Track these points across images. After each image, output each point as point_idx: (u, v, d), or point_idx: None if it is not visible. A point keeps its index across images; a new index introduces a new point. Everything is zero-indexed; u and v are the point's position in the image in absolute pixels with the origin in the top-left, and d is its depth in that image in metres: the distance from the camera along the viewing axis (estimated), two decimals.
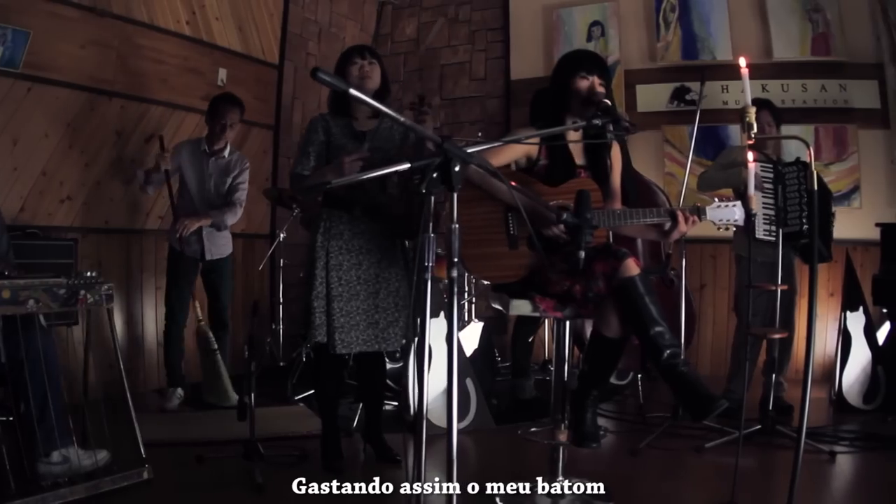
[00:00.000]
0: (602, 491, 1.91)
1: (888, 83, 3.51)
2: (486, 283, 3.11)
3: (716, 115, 3.64)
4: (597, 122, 1.61)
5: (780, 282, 2.44)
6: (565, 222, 1.56)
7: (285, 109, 3.72)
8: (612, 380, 3.30)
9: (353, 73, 2.08)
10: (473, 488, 1.92)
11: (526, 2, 4.11)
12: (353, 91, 1.09)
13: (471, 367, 2.61)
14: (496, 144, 1.68)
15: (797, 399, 3.03)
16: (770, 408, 2.53)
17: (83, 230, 2.94)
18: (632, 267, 1.65)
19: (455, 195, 1.23)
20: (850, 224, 3.37)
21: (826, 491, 2.04)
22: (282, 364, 3.36)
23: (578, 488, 1.91)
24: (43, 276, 1.86)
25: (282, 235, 3.34)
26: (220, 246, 2.94)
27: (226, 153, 2.92)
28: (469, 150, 1.52)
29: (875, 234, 3.01)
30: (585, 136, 1.86)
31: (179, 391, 2.91)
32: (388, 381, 2.99)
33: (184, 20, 3.29)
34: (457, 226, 1.22)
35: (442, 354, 2.58)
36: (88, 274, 2.00)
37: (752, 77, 3.79)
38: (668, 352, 1.63)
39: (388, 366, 3.00)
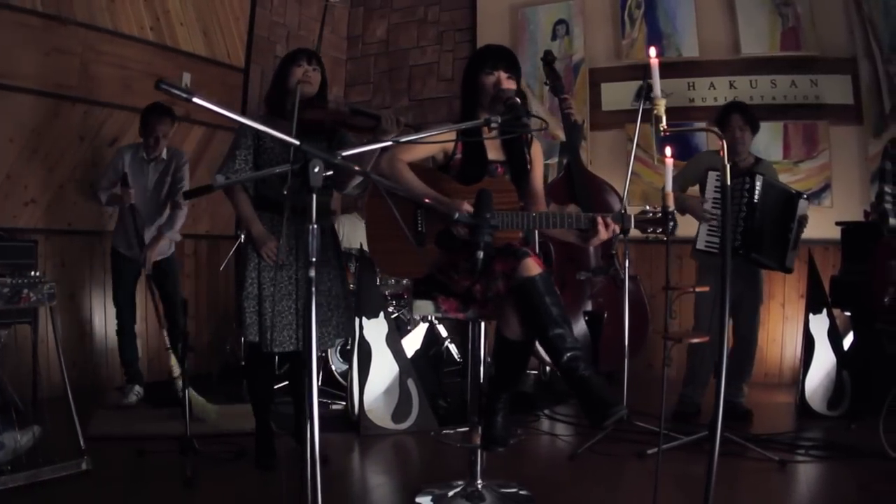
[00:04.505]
0: (526, 493, 1.90)
1: (862, 78, 3.41)
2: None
3: (681, 113, 3.58)
4: (496, 118, 1.61)
5: (727, 288, 2.37)
6: (458, 221, 1.56)
7: (251, 113, 3.78)
8: None
9: (295, 73, 2.09)
10: (400, 489, 1.93)
11: (493, 1, 4.11)
12: (195, 98, 1.11)
13: (412, 368, 2.62)
14: (385, 144, 1.69)
15: (760, 403, 2.99)
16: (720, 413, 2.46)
17: (47, 232, 3.04)
18: (531, 266, 1.63)
19: (314, 196, 1.25)
20: (820, 224, 3.26)
21: (766, 502, 1.97)
22: (244, 363, 3.41)
23: (499, 492, 1.90)
24: None
25: (243, 236, 3.39)
26: (163, 247, 2.99)
27: (163, 155, 2.99)
28: (359, 149, 1.54)
29: None
30: (501, 133, 1.85)
31: (138, 388, 2.98)
32: (340, 380, 3.03)
33: (147, 26, 3.37)
34: (315, 226, 1.25)
35: (382, 355, 2.61)
36: (33, 273, 2.09)
37: (719, 74, 3.78)
38: (568, 354, 1.58)
39: (346, 366, 3.03)
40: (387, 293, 3.15)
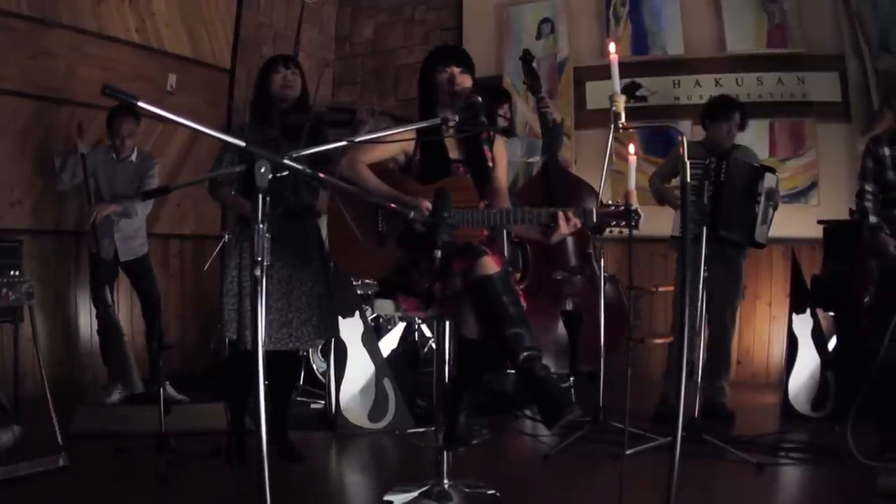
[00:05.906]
0: (493, 493, 1.90)
1: (850, 75, 3.38)
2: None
3: (667, 111, 3.57)
4: (453, 117, 1.61)
5: (701, 279, 2.36)
6: (414, 221, 1.56)
7: (237, 113, 3.80)
8: None
9: (276, 81, 2.14)
10: (371, 487, 1.94)
11: (479, 0, 4.11)
12: (141, 103, 1.12)
13: (388, 368, 2.63)
14: (341, 144, 1.69)
15: (745, 404, 2.97)
16: (695, 415, 2.45)
17: (33, 232, 3.07)
18: (488, 265, 1.63)
19: (261, 196, 1.26)
20: (806, 223, 3.25)
21: None
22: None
23: (466, 492, 1.90)
24: None
25: (227, 236, 3.41)
26: (133, 247, 3.03)
27: (132, 157, 3.02)
28: (314, 149, 1.55)
29: None
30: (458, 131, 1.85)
31: (121, 386, 3.01)
32: (321, 379, 3.05)
33: (133, 28, 3.40)
34: (262, 226, 1.26)
35: (357, 354, 2.62)
36: (12, 273, 2.14)
37: (705, 71, 3.76)
38: (524, 354, 1.58)
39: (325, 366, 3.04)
40: (369, 293, 3.16)
